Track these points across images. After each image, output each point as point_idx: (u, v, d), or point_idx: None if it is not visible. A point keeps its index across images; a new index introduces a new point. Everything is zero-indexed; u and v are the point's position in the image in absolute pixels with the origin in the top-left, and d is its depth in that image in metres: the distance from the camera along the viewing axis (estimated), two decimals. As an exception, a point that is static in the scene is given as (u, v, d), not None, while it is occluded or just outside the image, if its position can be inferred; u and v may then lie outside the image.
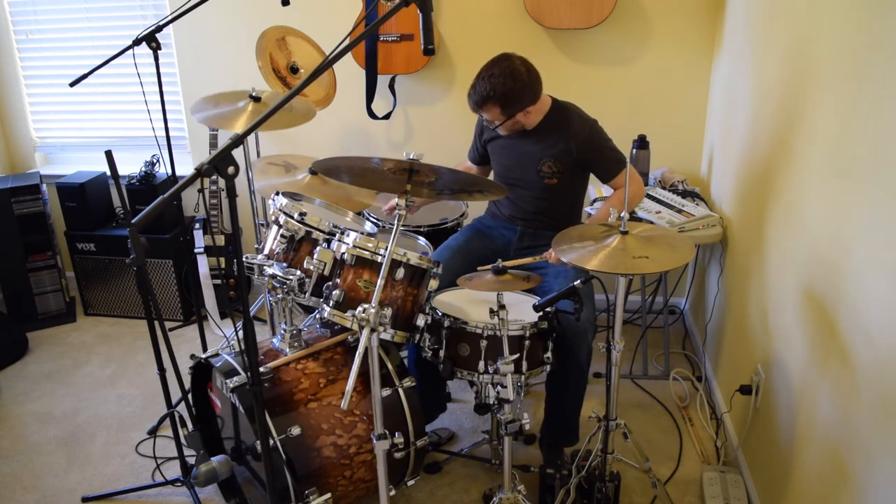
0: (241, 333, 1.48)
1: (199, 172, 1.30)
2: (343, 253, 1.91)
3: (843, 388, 1.58)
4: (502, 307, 1.91)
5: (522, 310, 2.10)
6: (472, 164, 2.66)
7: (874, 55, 1.50)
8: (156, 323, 2.00)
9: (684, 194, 2.85)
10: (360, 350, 1.61)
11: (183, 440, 2.19)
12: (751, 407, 2.19)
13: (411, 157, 1.68)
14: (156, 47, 2.33)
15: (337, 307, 1.88)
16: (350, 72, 3.15)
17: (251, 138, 2.99)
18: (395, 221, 1.75)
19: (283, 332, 2.10)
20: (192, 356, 2.13)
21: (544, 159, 2.34)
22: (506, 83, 2.16)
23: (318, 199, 2.38)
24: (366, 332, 1.63)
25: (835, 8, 1.74)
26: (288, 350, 2.07)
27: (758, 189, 2.28)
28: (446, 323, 2.00)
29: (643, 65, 3.07)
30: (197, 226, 3.36)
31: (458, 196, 2.04)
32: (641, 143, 2.92)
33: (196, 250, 3.33)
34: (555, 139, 2.32)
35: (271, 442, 1.83)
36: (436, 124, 3.32)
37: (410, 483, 2.15)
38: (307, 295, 1.99)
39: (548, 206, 2.42)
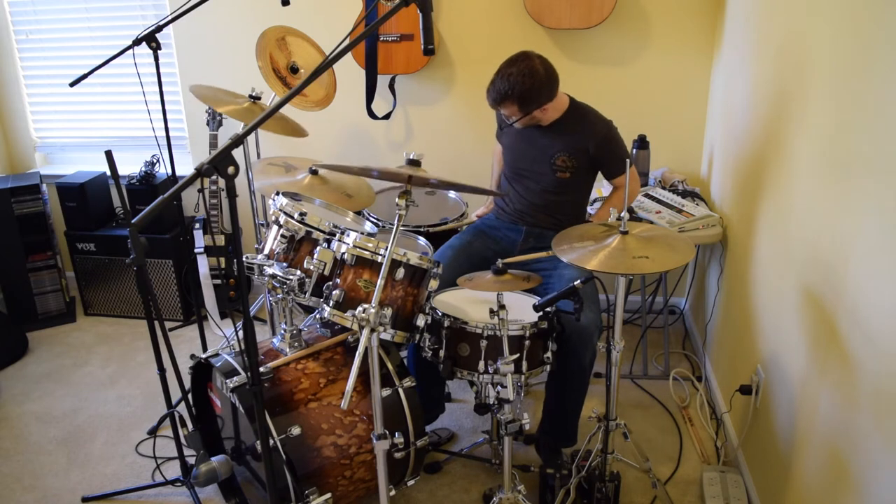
0: (241, 333, 1.48)
1: (199, 172, 1.30)
2: (343, 253, 1.91)
3: (843, 388, 1.58)
4: (502, 307, 1.91)
5: (522, 310, 2.10)
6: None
7: (871, 53, 1.50)
8: (156, 323, 2.00)
9: (684, 194, 2.85)
10: (360, 350, 1.61)
11: (183, 440, 2.19)
12: (751, 407, 2.19)
13: (412, 157, 1.68)
14: (156, 47, 2.33)
15: (337, 307, 1.88)
16: (350, 72, 3.14)
17: (251, 139, 2.99)
18: (395, 221, 1.75)
19: (283, 332, 2.10)
20: (192, 356, 2.13)
21: (560, 153, 2.37)
22: (524, 83, 2.19)
23: (318, 199, 2.38)
24: (366, 332, 1.63)
25: (832, 7, 1.74)
26: (288, 350, 2.07)
27: (758, 189, 2.28)
28: (446, 323, 2.00)
29: (643, 65, 3.07)
30: (197, 226, 3.36)
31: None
32: (641, 143, 2.92)
33: (196, 250, 3.33)
34: (573, 136, 2.36)
35: (271, 442, 1.83)
36: (436, 124, 3.32)
37: (410, 483, 2.15)
38: (307, 295, 1.99)
39: (556, 201, 2.43)
